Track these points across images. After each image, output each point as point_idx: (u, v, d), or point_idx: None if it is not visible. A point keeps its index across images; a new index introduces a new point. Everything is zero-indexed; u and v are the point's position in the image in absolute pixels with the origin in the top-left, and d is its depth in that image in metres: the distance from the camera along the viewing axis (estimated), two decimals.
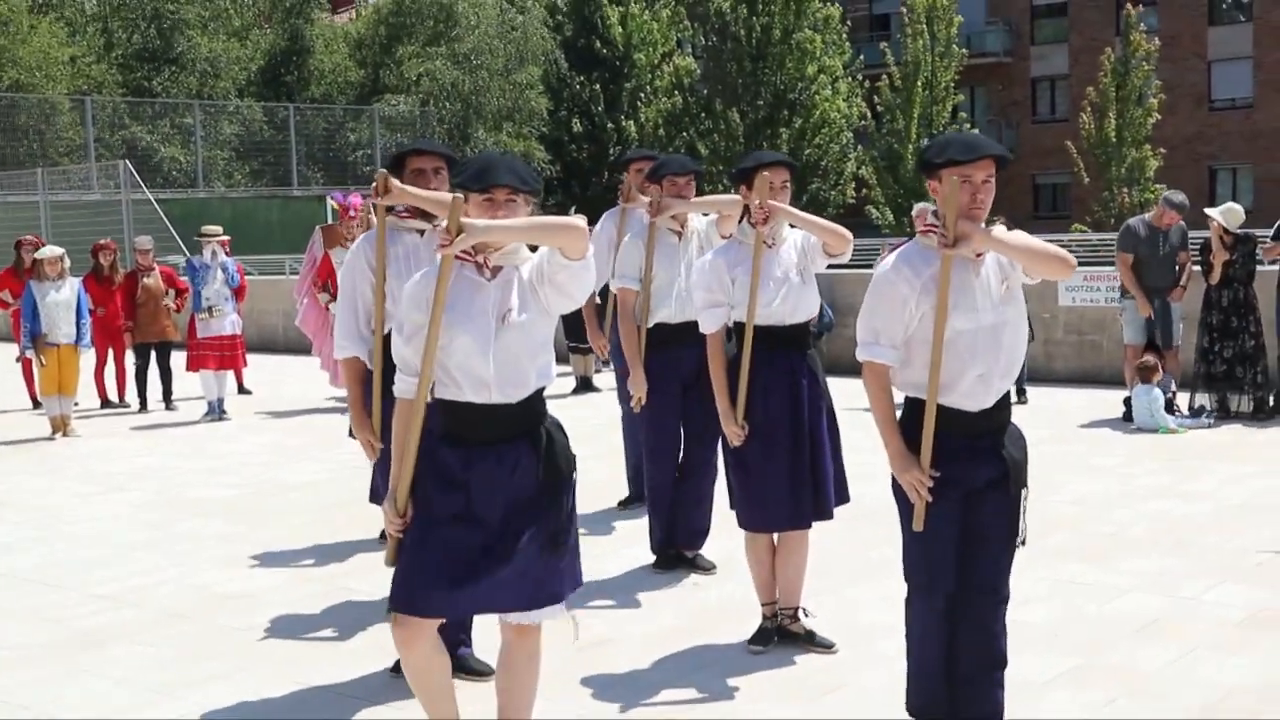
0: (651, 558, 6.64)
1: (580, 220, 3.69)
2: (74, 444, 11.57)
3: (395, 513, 3.75)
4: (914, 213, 13.62)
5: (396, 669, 5.05)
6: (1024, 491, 4.04)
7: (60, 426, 11.88)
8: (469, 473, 3.71)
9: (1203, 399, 10.70)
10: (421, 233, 4.99)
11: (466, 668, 5.02)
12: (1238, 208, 10.83)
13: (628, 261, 6.43)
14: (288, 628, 5.89)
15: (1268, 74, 39.40)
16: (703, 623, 5.77)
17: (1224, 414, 10.55)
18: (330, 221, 16.68)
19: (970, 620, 4.04)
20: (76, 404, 12.56)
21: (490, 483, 3.71)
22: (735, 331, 5.24)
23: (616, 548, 7.14)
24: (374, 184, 4.81)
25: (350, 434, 7.45)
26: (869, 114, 33.96)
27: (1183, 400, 10.81)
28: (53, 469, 10.29)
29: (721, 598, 6.14)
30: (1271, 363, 10.69)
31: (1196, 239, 11.39)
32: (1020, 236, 3.93)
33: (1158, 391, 10.34)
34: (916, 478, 3.93)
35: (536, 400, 3.80)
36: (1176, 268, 10.93)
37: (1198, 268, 10.82)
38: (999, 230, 3.92)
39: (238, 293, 13.23)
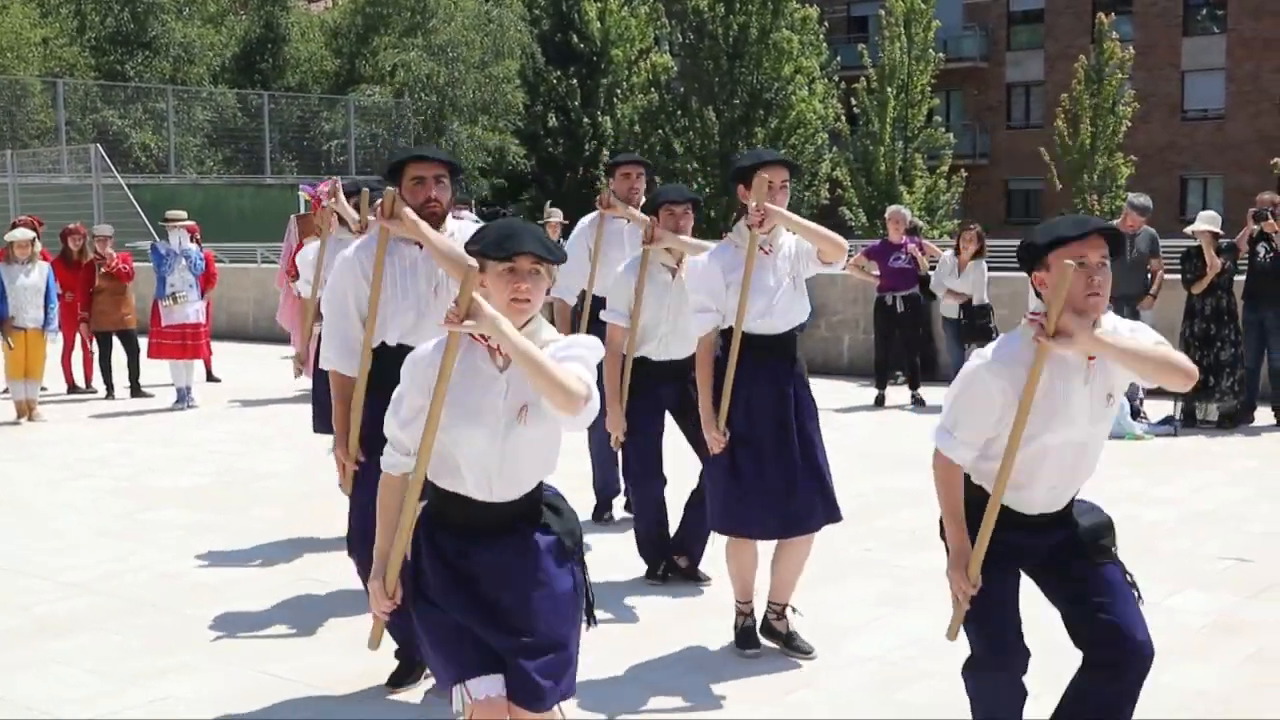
0: (626, 563, 6.63)
1: (591, 392, 3.29)
2: (40, 429, 11.49)
3: (384, 594, 3.45)
4: (887, 214, 13.61)
5: (391, 682, 4.98)
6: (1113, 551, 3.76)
7: (26, 411, 11.80)
8: (468, 559, 3.43)
9: (1169, 407, 10.79)
10: (420, 244, 4.65)
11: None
12: (1215, 215, 10.91)
13: (618, 297, 6.17)
14: (255, 617, 5.88)
15: (1240, 86, 39.74)
16: (675, 624, 5.79)
17: (1189, 422, 10.64)
18: (303, 212, 16.62)
19: (1109, 679, 3.69)
20: (44, 389, 12.47)
21: (493, 568, 3.43)
22: (724, 336, 5.13)
23: (590, 543, 7.15)
24: (379, 203, 4.56)
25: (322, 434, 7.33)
26: (844, 116, 34.05)
27: (1153, 407, 10.89)
28: (18, 455, 10.22)
29: (695, 600, 6.15)
30: (1243, 371, 10.76)
31: (1169, 247, 11.48)
32: (1131, 341, 3.46)
33: (1123, 398, 10.41)
34: (959, 582, 3.64)
35: (538, 494, 3.51)
36: (1148, 275, 11.01)
37: (1174, 277, 10.88)
38: (1109, 327, 3.48)
39: (207, 280, 13.16)
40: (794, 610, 5.36)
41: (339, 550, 6.95)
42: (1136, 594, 3.75)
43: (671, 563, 6.44)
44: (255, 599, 6.14)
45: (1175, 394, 10.78)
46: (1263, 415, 10.76)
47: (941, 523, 3.78)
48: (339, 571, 6.48)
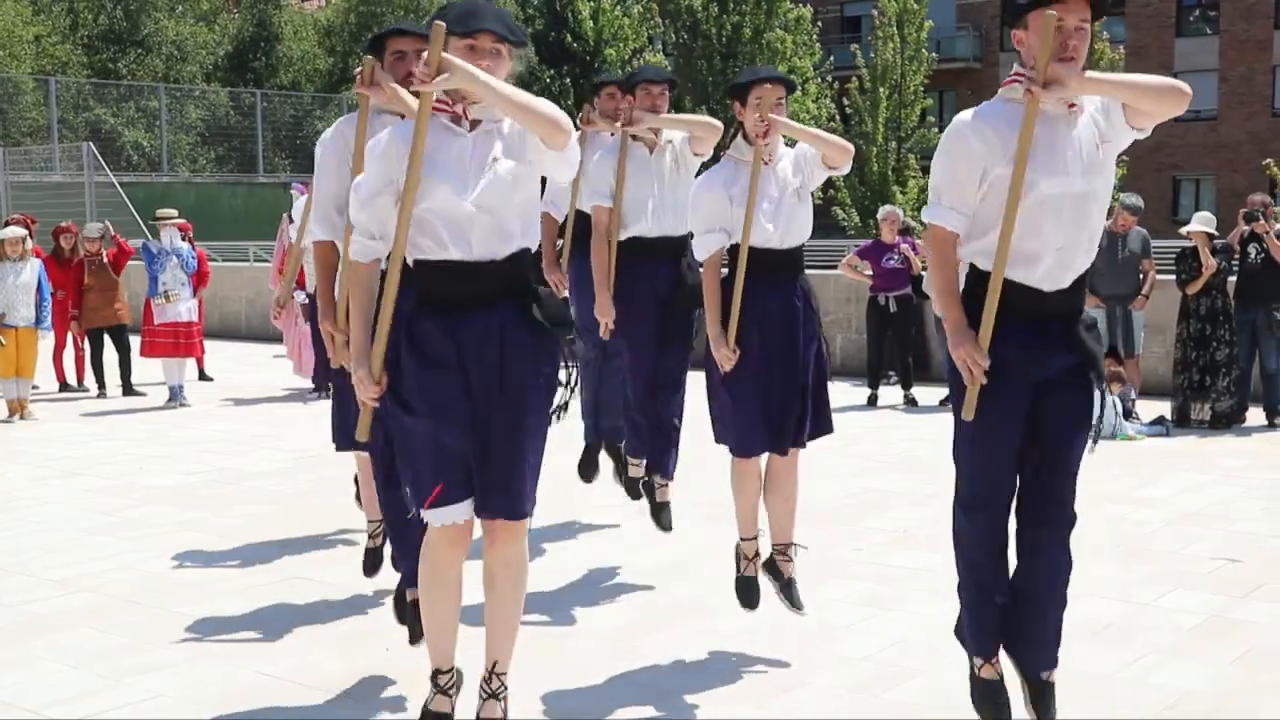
0: (616, 562, 6.61)
1: (567, 121, 3.47)
2: (31, 427, 11.45)
3: (372, 379, 3.50)
4: (880, 215, 13.68)
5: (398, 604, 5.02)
6: (1101, 385, 3.72)
7: (17, 409, 11.76)
8: (454, 343, 3.48)
9: (1162, 408, 10.79)
10: (403, 117, 4.61)
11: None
12: (1210, 216, 10.91)
13: (599, 178, 6.15)
14: (243, 616, 5.85)
15: (1232, 87, 39.81)
16: (657, 619, 5.77)
17: (1182, 423, 10.64)
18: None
19: (1034, 545, 3.76)
20: (36, 387, 12.42)
21: (479, 352, 3.48)
22: (729, 254, 5.10)
23: (579, 543, 7.14)
24: (358, 71, 4.62)
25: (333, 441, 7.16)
26: (838, 116, 34.05)
27: (1145, 407, 10.89)
28: (9, 453, 10.18)
29: (677, 597, 6.14)
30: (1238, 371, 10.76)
31: (1161, 248, 11.48)
32: (1121, 75, 3.56)
33: (1115, 399, 10.42)
34: (971, 354, 3.54)
35: (523, 259, 3.56)
36: (1140, 276, 11.01)
37: (1167, 277, 10.88)
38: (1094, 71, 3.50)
39: (199, 279, 13.13)
40: (802, 547, 5.34)
41: (327, 549, 6.94)
42: (1093, 441, 3.79)
43: (647, 482, 6.49)
44: (243, 597, 6.12)
45: (1170, 394, 10.79)
46: (1254, 416, 10.77)
47: (950, 398, 3.76)
48: (327, 571, 6.45)
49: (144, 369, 13.50)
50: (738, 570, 5.39)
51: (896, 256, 12.16)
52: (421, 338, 3.49)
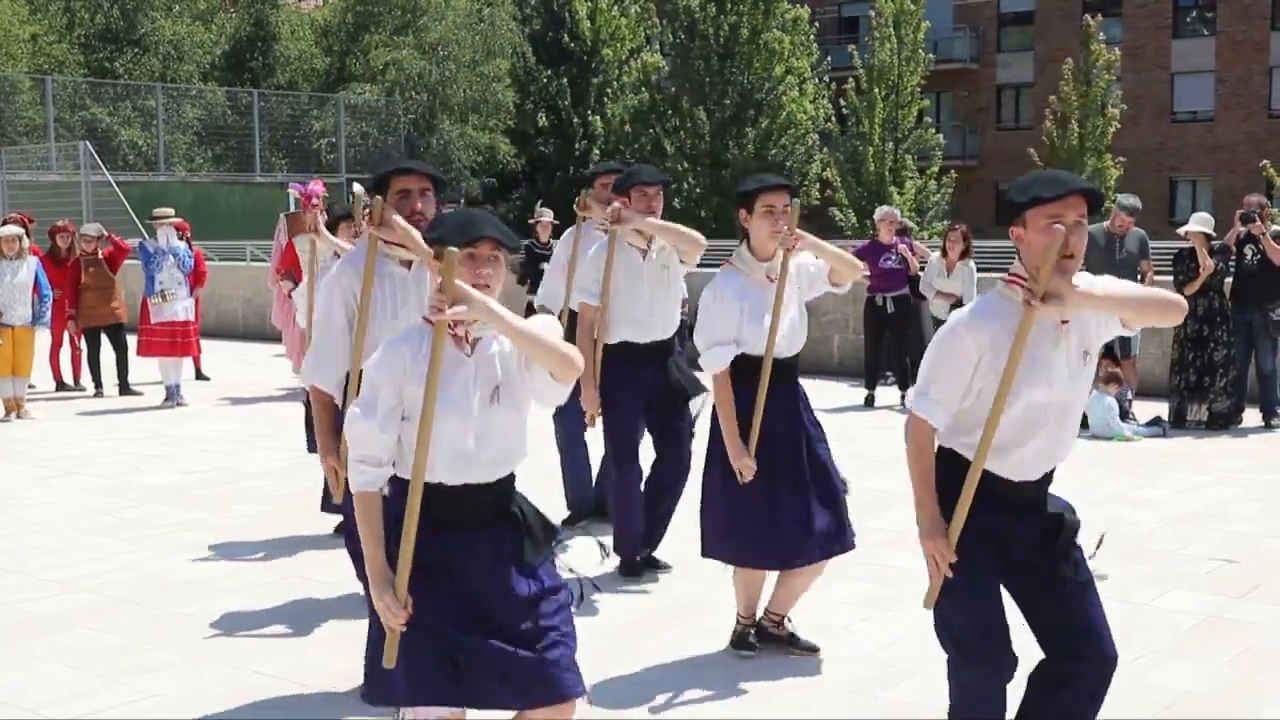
0: (616, 561, 6.61)
1: (579, 358, 3.39)
2: (27, 426, 11.44)
3: (398, 606, 3.31)
4: (877, 215, 13.65)
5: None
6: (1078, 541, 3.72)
7: (13, 408, 11.75)
8: (445, 557, 3.39)
9: (1158, 409, 10.80)
10: (408, 265, 4.56)
11: None
12: (1208, 217, 10.92)
13: (587, 275, 6.16)
14: (240, 615, 5.86)
15: (1229, 88, 39.84)
16: (658, 622, 5.78)
17: (1179, 424, 10.65)
18: (292, 210, 16.57)
19: (1077, 689, 3.69)
20: (33, 386, 12.42)
21: (469, 569, 3.39)
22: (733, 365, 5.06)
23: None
24: (368, 210, 4.47)
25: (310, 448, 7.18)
26: (834, 116, 34.06)
27: (1142, 408, 10.90)
28: (6, 452, 10.17)
29: (678, 597, 6.14)
30: (1235, 372, 10.76)
31: (1158, 249, 11.49)
32: (1120, 286, 3.51)
33: (1112, 400, 10.44)
34: (940, 549, 3.57)
35: (511, 480, 3.50)
36: (1138, 276, 11.00)
37: (1165, 278, 10.89)
38: (1090, 282, 3.49)
39: (196, 278, 13.12)
40: (790, 620, 5.38)
41: (325, 549, 6.93)
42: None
43: (648, 556, 6.47)
44: (241, 597, 6.12)
45: (1167, 395, 10.80)
46: (1250, 417, 10.79)
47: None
48: (325, 570, 6.45)
49: (141, 368, 13.49)
50: (735, 630, 5.34)
51: (894, 257, 12.16)
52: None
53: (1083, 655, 3.66)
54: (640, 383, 6.19)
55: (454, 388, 3.35)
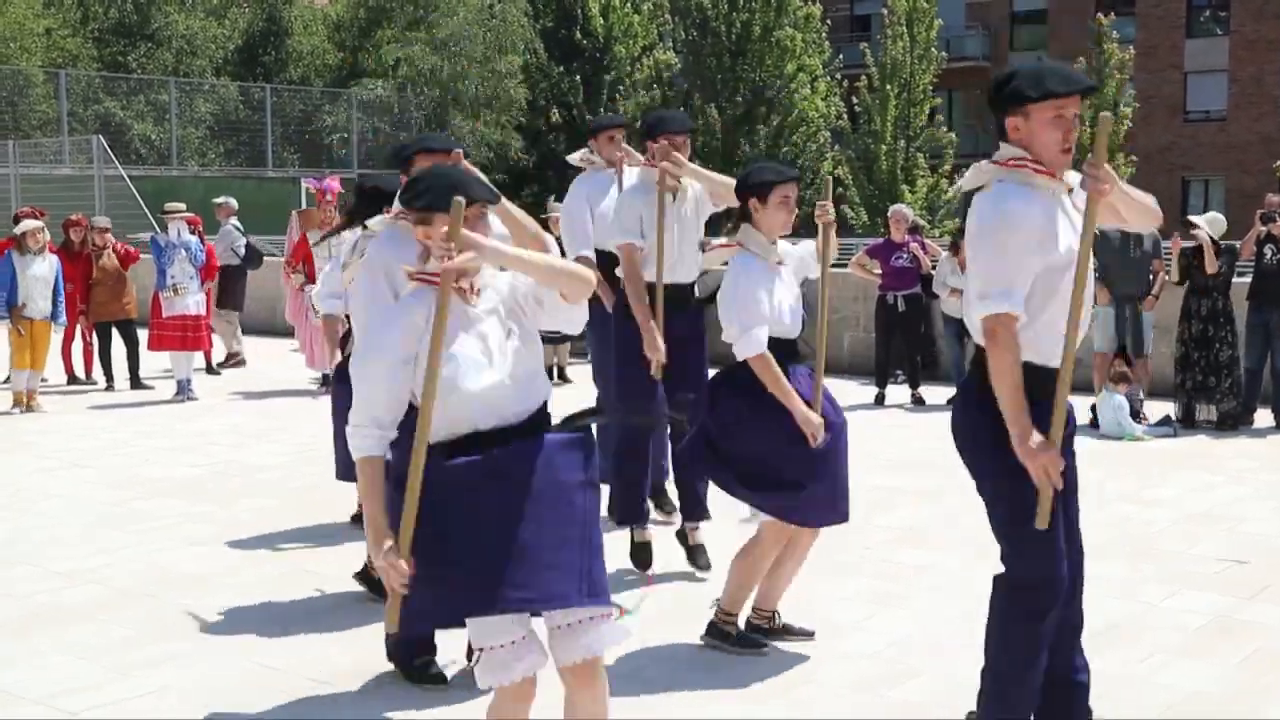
0: (619, 559, 6.59)
1: (591, 274, 3.45)
2: (39, 419, 11.47)
3: (401, 566, 3.27)
4: (889, 213, 13.60)
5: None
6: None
7: (23, 401, 11.78)
8: (484, 471, 3.34)
9: (1169, 408, 10.77)
10: None
11: (427, 677, 4.87)
12: (1220, 217, 10.89)
13: (629, 216, 6.07)
14: (249, 608, 5.86)
15: (1242, 87, 39.71)
16: (663, 616, 5.77)
17: (1188, 423, 10.61)
18: (305, 205, 16.59)
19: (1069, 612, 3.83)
20: (45, 380, 12.45)
21: (512, 472, 3.36)
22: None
23: None
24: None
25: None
26: (846, 114, 34.01)
27: (1154, 408, 10.87)
28: (17, 445, 10.20)
29: (681, 593, 6.14)
30: (1240, 373, 10.74)
31: (1170, 248, 11.45)
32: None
33: (1122, 399, 10.41)
34: (1054, 463, 3.54)
35: (545, 415, 3.50)
36: (1151, 276, 10.98)
37: (1171, 273, 10.86)
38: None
39: (207, 272, 13.14)
40: (778, 614, 5.37)
41: (333, 544, 6.94)
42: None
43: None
44: (249, 590, 6.13)
45: (1175, 395, 10.76)
46: (1262, 417, 10.75)
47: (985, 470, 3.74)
48: (333, 563, 6.46)
49: (151, 360, 13.52)
50: (718, 628, 5.30)
51: (905, 255, 12.14)
52: (452, 478, 3.33)
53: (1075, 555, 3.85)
54: (666, 330, 6.13)
55: (473, 342, 3.34)
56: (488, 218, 3.43)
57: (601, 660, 3.52)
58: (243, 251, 14.88)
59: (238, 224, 15.29)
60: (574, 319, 3.49)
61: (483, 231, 3.37)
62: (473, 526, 3.32)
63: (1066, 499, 3.81)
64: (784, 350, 5.05)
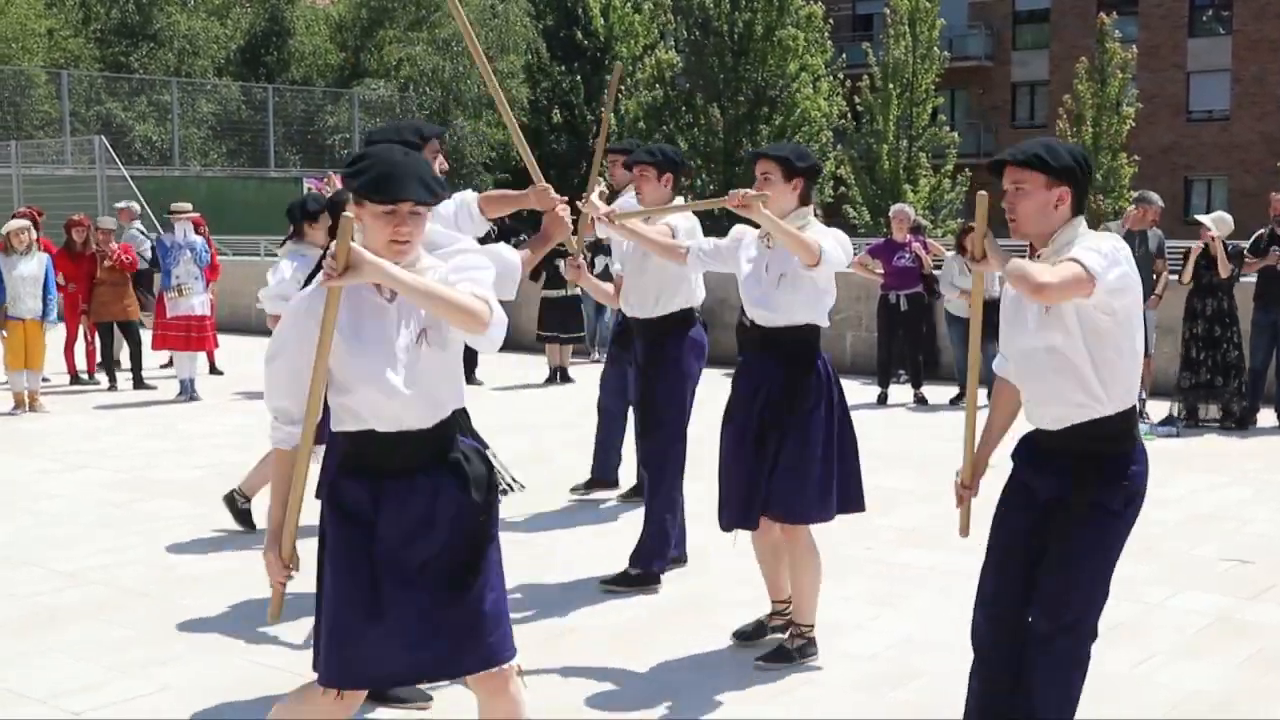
0: (623, 558, 6.60)
1: (485, 310, 3.25)
2: (41, 420, 11.48)
3: (279, 563, 3.33)
4: (891, 213, 13.58)
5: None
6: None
7: (23, 402, 11.78)
8: (378, 507, 3.30)
9: (1173, 408, 10.76)
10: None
11: (396, 696, 4.76)
12: (1227, 217, 10.87)
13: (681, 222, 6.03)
14: (250, 609, 5.86)
15: (1245, 87, 39.66)
16: (665, 616, 5.77)
17: (1192, 423, 10.61)
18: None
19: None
20: (46, 380, 12.45)
21: (406, 517, 3.30)
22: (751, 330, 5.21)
23: (582, 539, 7.15)
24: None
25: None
26: (849, 114, 33.99)
27: (1156, 408, 10.86)
28: (19, 445, 10.21)
29: (685, 593, 6.14)
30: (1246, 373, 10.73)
31: (1172, 247, 11.45)
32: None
33: None
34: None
35: (452, 424, 3.41)
36: (1154, 276, 10.98)
37: (1174, 277, 10.86)
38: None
39: (210, 271, 13.14)
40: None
41: None
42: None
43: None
44: (250, 591, 6.12)
45: (1176, 395, 10.75)
46: (1266, 417, 10.74)
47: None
48: None
49: (154, 362, 13.52)
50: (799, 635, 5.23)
51: (908, 255, 12.14)
52: (343, 498, 3.34)
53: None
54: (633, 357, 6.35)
55: (375, 336, 3.27)
56: (423, 215, 3.28)
57: (510, 670, 3.42)
58: (148, 255, 14.52)
59: (141, 228, 15.20)
60: (479, 343, 3.35)
61: (416, 231, 3.26)
62: (370, 582, 3.29)
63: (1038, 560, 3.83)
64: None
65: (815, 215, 5.20)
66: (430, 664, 3.34)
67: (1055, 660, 3.74)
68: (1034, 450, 3.91)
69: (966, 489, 4.06)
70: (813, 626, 5.15)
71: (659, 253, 5.63)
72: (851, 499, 5.15)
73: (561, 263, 14.25)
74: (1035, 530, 3.82)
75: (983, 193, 3.57)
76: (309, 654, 5.22)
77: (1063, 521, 3.77)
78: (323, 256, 5.52)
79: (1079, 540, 3.77)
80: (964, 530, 4.05)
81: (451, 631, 3.30)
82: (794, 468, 4.97)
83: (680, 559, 6.47)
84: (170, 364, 13.56)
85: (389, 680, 3.49)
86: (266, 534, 3.41)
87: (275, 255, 17.92)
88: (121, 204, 15.62)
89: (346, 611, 3.30)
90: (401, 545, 3.30)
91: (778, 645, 5.17)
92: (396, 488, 3.31)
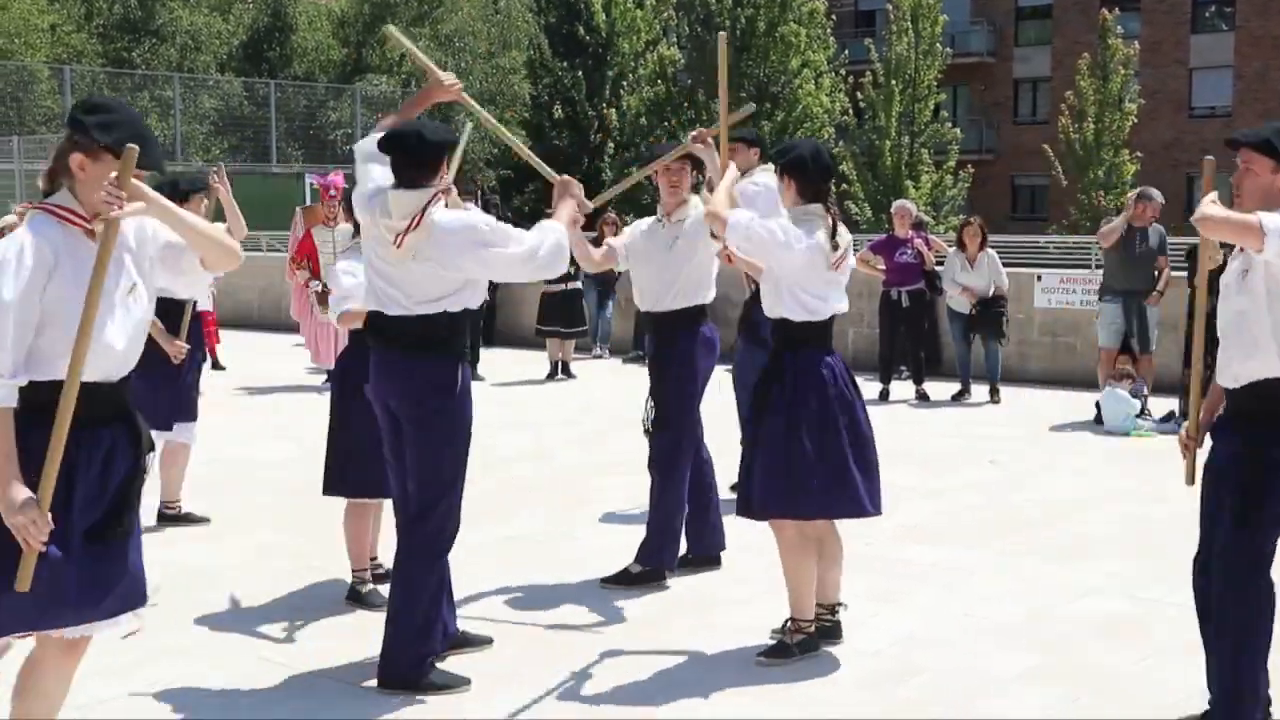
0: (627, 555, 6.60)
1: (238, 249, 3.63)
2: None
3: (44, 519, 3.26)
4: (893, 209, 13.59)
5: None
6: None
7: None
8: (67, 458, 3.31)
9: (1174, 404, 10.76)
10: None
11: (469, 641, 5.16)
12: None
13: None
14: (254, 602, 5.88)
15: (1247, 83, 39.63)
16: (669, 615, 5.78)
17: None
18: (310, 202, 16.59)
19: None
20: None
21: (87, 468, 3.39)
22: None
23: (590, 536, 7.16)
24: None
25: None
26: (851, 110, 33.98)
27: (1157, 404, 10.87)
28: None
29: (688, 590, 6.15)
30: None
31: (1174, 244, 11.45)
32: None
33: (1127, 394, 10.41)
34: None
35: (129, 380, 3.51)
36: (1156, 273, 10.98)
37: (1179, 273, 10.86)
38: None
39: None
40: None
41: (337, 539, 6.94)
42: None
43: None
44: (254, 585, 6.14)
45: (1178, 391, 10.75)
46: None
47: None
48: (336, 559, 6.46)
49: None
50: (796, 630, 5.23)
51: (910, 251, 12.14)
52: (31, 451, 3.31)
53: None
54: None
55: (83, 286, 3.29)
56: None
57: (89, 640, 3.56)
58: None
59: None
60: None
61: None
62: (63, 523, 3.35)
63: None
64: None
65: (825, 213, 5.13)
66: (93, 611, 3.44)
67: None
68: (1222, 414, 4.33)
69: (1191, 439, 4.49)
70: (811, 622, 5.15)
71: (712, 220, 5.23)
72: (837, 501, 5.05)
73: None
74: (1216, 489, 4.34)
75: (1209, 157, 4.10)
76: (312, 647, 5.24)
77: (1236, 478, 4.21)
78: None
79: (1250, 495, 4.19)
80: (1189, 479, 4.53)
81: (111, 580, 3.44)
82: (750, 462, 5.10)
83: (715, 560, 6.40)
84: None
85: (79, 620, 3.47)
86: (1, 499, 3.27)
87: (278, 250, 17.91)
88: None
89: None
90: (83, 497, 3.37)
91: (778, 641, 5.17)
92: (79, 439, 3.34)
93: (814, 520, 5.08)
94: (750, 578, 6.14)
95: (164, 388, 6.95)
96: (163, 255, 3.54)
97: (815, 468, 4.94)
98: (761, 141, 6.81)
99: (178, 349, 6.83)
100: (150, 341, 6.08)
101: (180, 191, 7.29)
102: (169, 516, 7.40)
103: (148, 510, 7.36)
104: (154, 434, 6.59)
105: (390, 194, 4.55)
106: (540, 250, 4.49)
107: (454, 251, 4.49)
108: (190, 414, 7.33)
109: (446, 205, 4.68)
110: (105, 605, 3.45)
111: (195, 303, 7.05)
